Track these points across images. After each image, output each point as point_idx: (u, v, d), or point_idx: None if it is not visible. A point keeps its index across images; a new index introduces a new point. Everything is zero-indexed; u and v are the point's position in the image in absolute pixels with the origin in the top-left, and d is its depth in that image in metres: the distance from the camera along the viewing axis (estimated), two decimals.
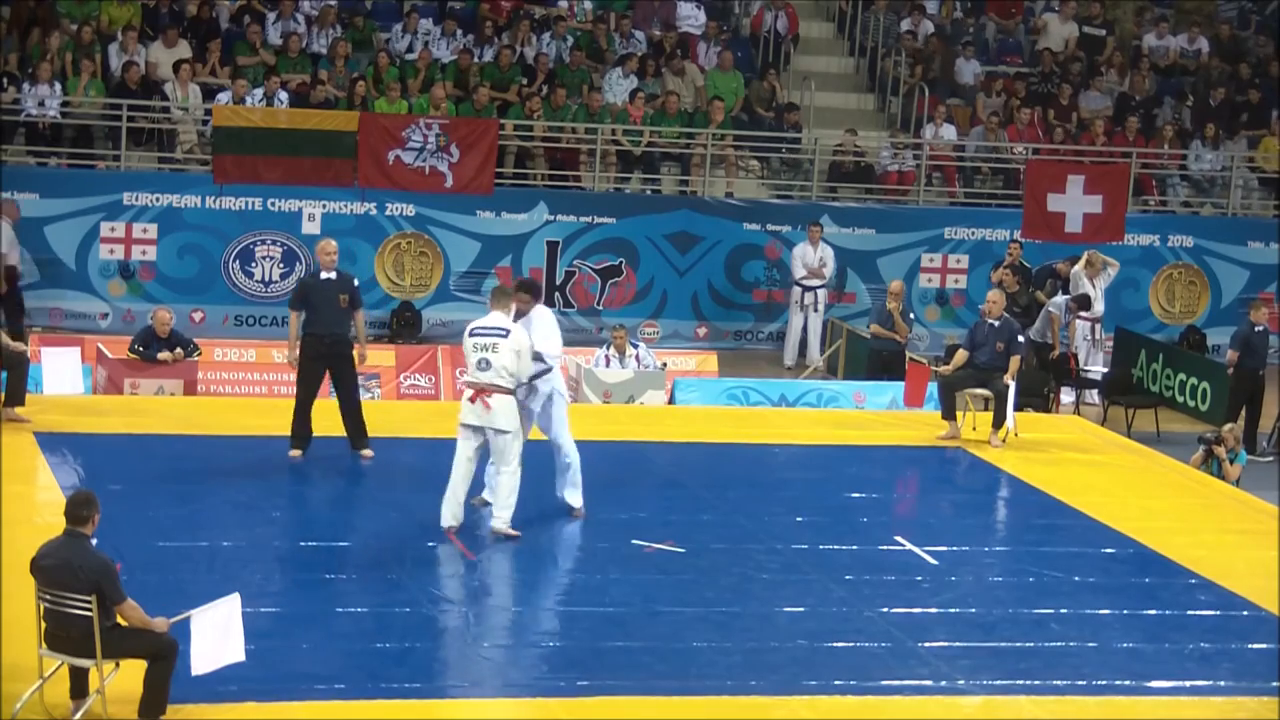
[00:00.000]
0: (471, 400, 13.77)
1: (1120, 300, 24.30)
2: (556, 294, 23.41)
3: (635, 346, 20.20)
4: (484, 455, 14.00)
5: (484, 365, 13.72)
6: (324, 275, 15.65)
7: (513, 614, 12.70)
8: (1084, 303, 22.24)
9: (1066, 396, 21.90)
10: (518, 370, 13.75)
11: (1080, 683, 11.78)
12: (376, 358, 19.80)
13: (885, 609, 12.88)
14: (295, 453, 15.68)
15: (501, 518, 13.89)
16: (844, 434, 18.06)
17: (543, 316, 14.36)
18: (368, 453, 15.77)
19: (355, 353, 15.88)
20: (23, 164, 22.74)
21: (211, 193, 22.60)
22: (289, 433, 15.70)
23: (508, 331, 13.79)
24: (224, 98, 23.14)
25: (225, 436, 16.23)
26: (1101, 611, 13.23)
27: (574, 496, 14.51)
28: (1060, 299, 22.29)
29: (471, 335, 13.90)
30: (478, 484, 14.24)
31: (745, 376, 21.11)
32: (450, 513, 14.00)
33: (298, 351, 15.60)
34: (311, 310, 15.51)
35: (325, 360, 15.50)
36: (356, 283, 15.88)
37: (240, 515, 14.36)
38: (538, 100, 24.35)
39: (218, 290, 22.72)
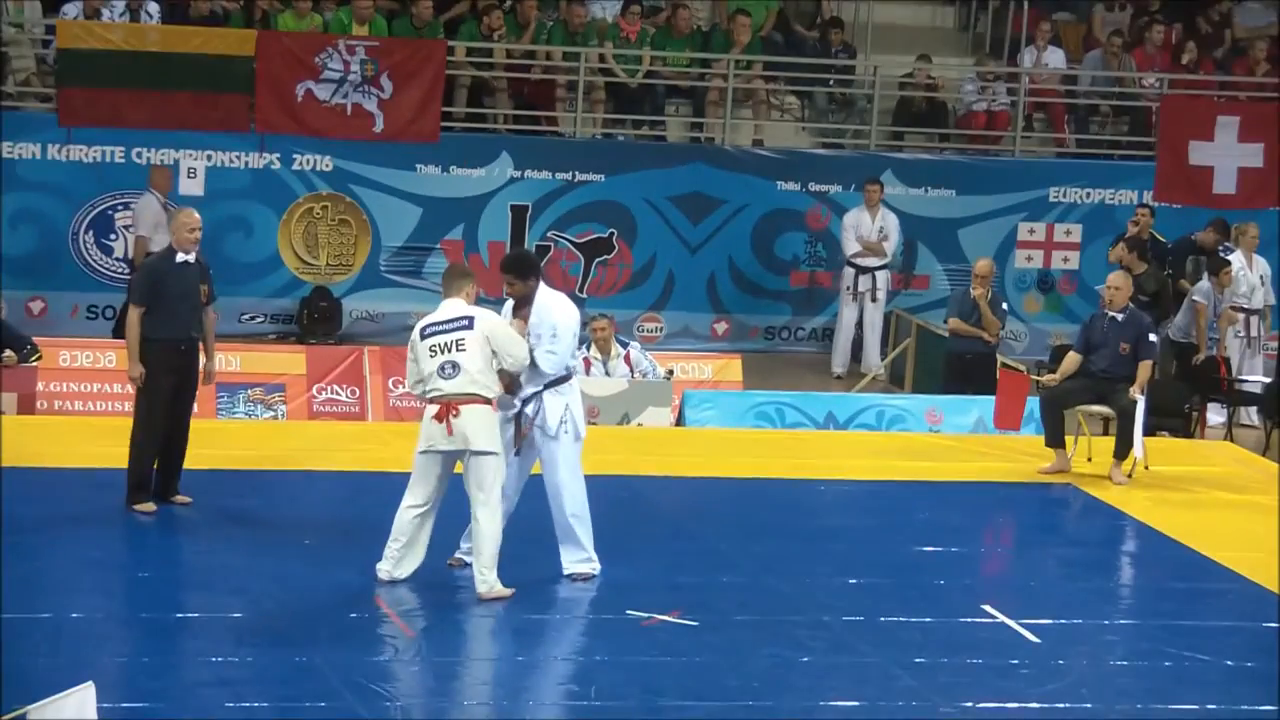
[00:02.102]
0: (438, 419, 13.74)
1: None
2: None
3: (625, 345, 20.20)
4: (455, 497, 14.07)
5: (449, 371, 13.70)
6: (180, 258, 15.32)
7: (462, 712, 12.67)
8: (1218, 266, 22.11)
9: (1215, 415, 21.90)
10: (497, 365, 13.72)
11: None
12: (283, 364, 19.79)
13: (969, 703, 12.86)
14: (147, 507, 15.44)
15: (486, 579, 13.91)
16: (913, 466, 18.11)
17: (551, 303, 14.15)
18: (184, 499, 15.57)
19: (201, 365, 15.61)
20: None
21: (56, 139, 22.61)
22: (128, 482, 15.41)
23: (471, 320, 13.79)
24: (71, 10, 23.15)
25: (74, 469, 16.18)
26: (1261, 708, 13.22)
27: (573, 558, 14.59)
28: (1206, 284, 22.27)
29: (424, 337, 13.85)
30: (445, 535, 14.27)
31: (780, 389, 21.12)
32: (388, 564, 14.10)
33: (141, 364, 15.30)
34: (165, 305, 15.20)
35: (176, 374, 15.31)
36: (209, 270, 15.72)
37: (94, 576, 14.32)
38: (499, 16, 24.35)
39: (64, 272, 22.74)
